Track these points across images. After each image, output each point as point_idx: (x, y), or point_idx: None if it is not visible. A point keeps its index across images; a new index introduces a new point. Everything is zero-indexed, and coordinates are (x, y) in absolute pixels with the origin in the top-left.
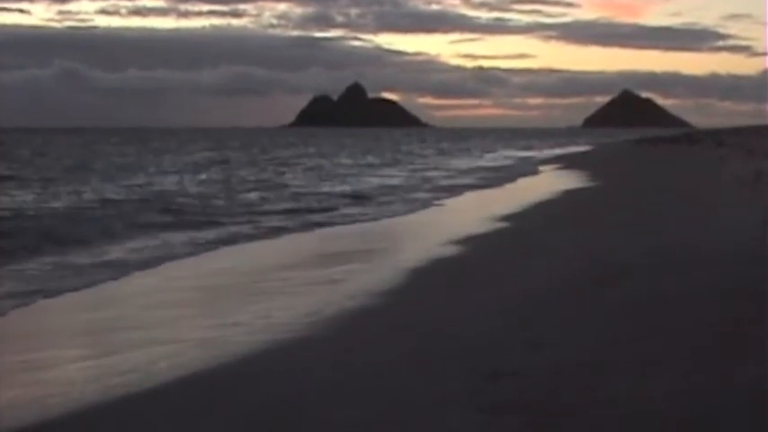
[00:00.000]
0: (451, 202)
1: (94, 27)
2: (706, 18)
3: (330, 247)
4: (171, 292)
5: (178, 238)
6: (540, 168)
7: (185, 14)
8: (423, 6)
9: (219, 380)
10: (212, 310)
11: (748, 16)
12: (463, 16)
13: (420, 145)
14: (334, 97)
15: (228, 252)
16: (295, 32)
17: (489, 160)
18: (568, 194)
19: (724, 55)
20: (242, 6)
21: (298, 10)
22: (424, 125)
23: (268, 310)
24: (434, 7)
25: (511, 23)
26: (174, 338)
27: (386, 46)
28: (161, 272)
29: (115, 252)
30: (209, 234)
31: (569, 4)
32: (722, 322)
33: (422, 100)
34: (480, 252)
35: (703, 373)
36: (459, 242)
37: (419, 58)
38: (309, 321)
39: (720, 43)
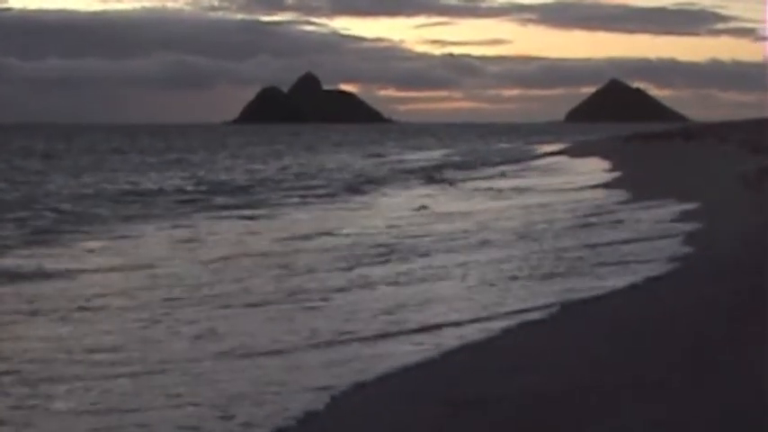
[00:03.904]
0: None
1: (8, 9)
2: None
3: None
4: None
5: None
6: None
7: None
8: None
9: None
10: None
11: None
12: None
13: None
14: (285, 89)
15: None
16: (239, 16)
17: None
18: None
19: (725, 39)
20: None
21: None
22: (387, 120)
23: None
24: None
25: (484, 5)
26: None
27: (343, 31)
28: None
29: None
30: None
31: None
32: (720, 340)
33: (384, 92)
34: None
35: (699, 398)
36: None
37: (380, 44)
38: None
39: (721, 26)
